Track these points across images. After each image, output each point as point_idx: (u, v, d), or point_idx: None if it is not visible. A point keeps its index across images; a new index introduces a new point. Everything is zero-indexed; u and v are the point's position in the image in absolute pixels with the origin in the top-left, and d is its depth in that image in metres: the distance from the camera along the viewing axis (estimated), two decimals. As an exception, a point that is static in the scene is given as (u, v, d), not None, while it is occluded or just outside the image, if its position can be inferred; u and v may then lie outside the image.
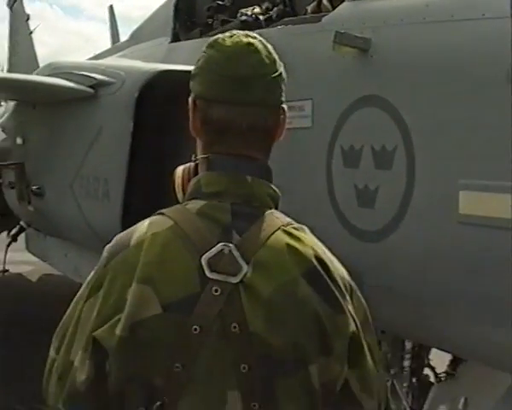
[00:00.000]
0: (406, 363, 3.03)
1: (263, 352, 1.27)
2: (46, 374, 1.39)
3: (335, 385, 1.34)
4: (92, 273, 1.39)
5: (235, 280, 1.29)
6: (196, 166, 1.47)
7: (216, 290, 1.28)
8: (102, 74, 3.91)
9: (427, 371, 3.16)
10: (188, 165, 1.51)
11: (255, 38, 1.41)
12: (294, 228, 1.38)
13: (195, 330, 1.26)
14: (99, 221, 3.94)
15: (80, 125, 4.14)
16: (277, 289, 1.30)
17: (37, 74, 5.15)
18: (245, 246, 1.32)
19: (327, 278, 1.34)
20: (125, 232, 1.40)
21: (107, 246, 1.39)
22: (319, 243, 1.40)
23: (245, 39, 1.39)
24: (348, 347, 1.35)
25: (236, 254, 1.30)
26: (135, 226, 1.39)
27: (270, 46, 1.41)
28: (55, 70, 4.69)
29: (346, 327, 1.34)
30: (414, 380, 3.10)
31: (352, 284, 1.41)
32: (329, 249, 1.41)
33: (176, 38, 4.45)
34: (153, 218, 1.38)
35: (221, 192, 1.37)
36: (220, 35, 1.42)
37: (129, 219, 3.92)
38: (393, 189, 2.37)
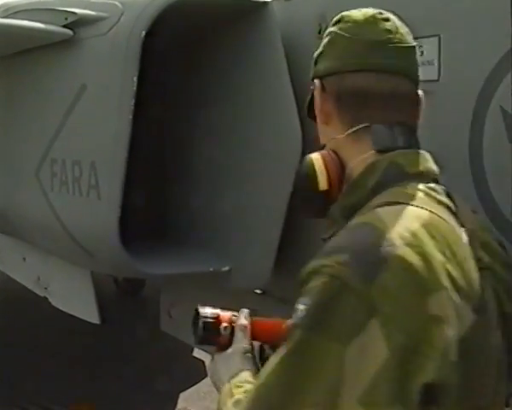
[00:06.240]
0: None
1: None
2: None
3: None
4: (317, 310, 1.04)
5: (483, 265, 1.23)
6: (333, 150, 1.36)
7: (484, 277, 1.23)
8: (85, 8, 2.61)
9: None
10: (323, 152, 1.36)
11: (383, 12, 1.37)
12: None
13: (489, 325, 1.20)
14: (83, 226, 2.67)
15: (50, 84, 2.81)
16: (504, 267, 1.30)
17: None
18: (466, 228, 1.25)
19: None
20: (347, 237, 1.12)
21: (334, 263, 1.06)
22: None
23: (373, 11, 1.36)
24: None
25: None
26: (360, 225, 1.13)
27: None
28: (8, 12, 3.36)
29: None
30: None
31: None
32: None
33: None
34: (385, 209, 1.15)
35: (423, 172, 1.28)
36: (343, 12, 1.39)
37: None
38: None
